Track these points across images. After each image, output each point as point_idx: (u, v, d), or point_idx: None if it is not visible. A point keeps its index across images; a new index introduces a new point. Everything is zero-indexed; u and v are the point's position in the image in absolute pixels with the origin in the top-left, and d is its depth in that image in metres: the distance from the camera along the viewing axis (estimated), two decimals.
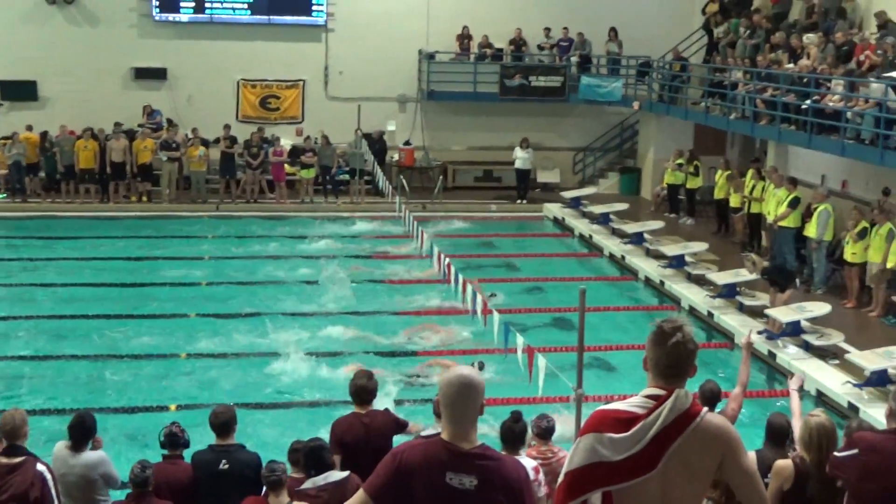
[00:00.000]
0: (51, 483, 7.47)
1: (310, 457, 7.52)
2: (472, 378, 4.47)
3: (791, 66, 22.59)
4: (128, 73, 29.24)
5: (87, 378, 15.17)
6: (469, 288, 14.60)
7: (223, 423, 8.22)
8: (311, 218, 26.42)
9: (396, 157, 29.48)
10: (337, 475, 7.35)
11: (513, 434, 7.98)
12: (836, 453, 6.03)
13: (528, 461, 7.61)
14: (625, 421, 4.24)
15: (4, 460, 7.47)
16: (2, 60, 28.50)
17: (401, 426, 8.64)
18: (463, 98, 29.74)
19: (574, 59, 30.07)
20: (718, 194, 24.31)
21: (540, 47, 30.63)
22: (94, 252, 22.38)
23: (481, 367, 14.13)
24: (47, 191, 27.08)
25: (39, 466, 7.49)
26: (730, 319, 17.74)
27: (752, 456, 4.59)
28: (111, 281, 20.11)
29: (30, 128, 27.01)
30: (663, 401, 4.21)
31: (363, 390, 8.43)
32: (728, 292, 18.64)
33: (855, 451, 5.80)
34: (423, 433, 6.94)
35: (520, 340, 12.06)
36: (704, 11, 28.94)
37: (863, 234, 18.24)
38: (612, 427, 4.24)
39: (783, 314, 16.45)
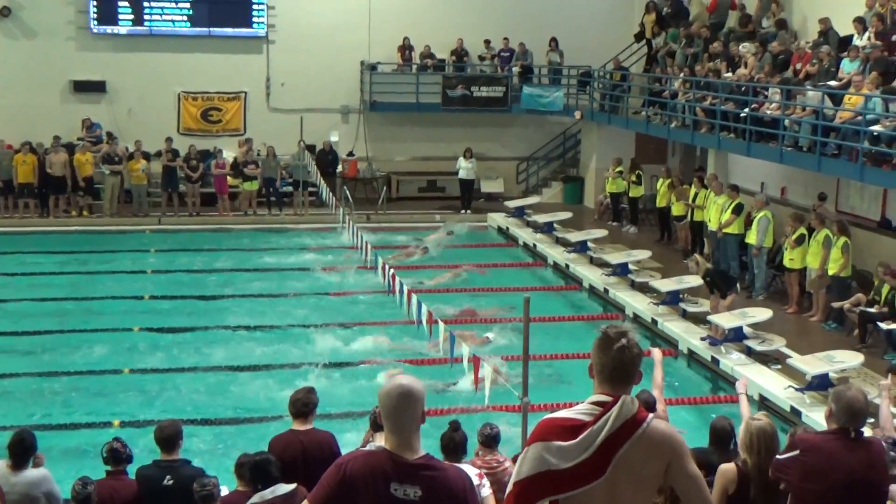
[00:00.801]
0: None
1: (256, 470, 7.47)
2: (412, 387, 4.45)
3: (729, 74, 22.87)
4: (66, 86, 28.89)
5: (28, 394, 14.93)
6: (414, 298, 14.57)
7: (167, 437, 8.14)
8: (257, 230, 26.29)
9: (340, 168, 29.41)
10: (284, 488, 7.30)
11: (454, 443, 7.98)
12: (777, 456, 6.10)
13: (470, 469, 7.60)
14: (572, 428, 4.24)
15: None
16: None
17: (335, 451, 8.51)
18: (405, 109, 29.75)
19: (516, 69, 30.22)
20: (660, 202, 24.52)
21: (481, 58, 30.73)
22: (34, 267, 22.06)
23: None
24: None
25: None
26: (673, 326, 17.90)
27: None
28: (52, 296, 19.83)
29: None
30: (609, 407, 4.23)
31: (301, 404, 8.35)
32: (671, 299, 18.81)
33: (796, 452, 5.87)
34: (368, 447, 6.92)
35: (465, 350, 12.08)
36: (642, 23, 29.21)
37: (801, 241, 18.49)
38: (559, 435, 4.25)
39: (726, 320, 16.62)
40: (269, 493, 7.28)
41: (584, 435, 4.21)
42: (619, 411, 4.22)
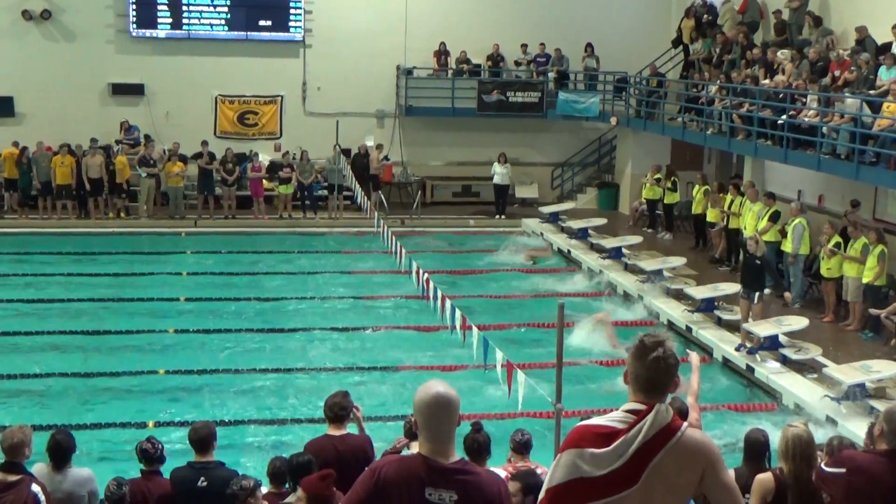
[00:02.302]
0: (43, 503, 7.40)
1: (298, 472, 7.50)
2: (448, 394, 4.44)
3: (767, 81, 22.73)
4: (105, 88, 29.16)
5: (65, 394, 15.06)
6: (448, 303, 14.57)
7: (202, 438, 8.18)
8: (291, 234, 26.39)
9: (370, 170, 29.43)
10: None
11: (477, 444, 7.92)
12: (823, 466, 6.05)
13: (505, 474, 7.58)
14: (605, 436, 4.22)
15: (0, 476, 7.39)
16: None
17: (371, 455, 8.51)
18: (441, 113, 29.79)
19: (551, 75, 30.17)
20: (696, 209, 24.38)
21: (517, 63, 30.73)
22: (71, 268, 22.25)
23: None
24: (23, 207, 26.91)
25: (34, 486, 7.40)
26: (708, 334, 17.80)
27: (731, 473, 4.58)
28: (89, 296, 19.99)
29: (16, 144, 26.86)
30: (644, 415, 4.20)
31: (337, 406, 8.36)
32: (706, 307, 18.70)
33: (842, 469, 5.81)
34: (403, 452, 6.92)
35: (499, 355, 12.05)
36: (679, 28, 29.10)
37: (838, 249, 18.33)
38: (592, 442, 4.22)
39: (761, 328, 16.51)
40: None
41: (619, 442, 4.18)
42: (654, 419, 4.18)
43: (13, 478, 7.36)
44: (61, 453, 7.99)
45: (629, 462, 4.17)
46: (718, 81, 24.90)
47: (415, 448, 4.58)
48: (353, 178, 25.92)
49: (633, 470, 4.17)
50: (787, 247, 19.61)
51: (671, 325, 18.83)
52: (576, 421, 4.53)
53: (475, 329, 13.30)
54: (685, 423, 4.26)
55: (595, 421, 4.32)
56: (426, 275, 16.43)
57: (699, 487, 4.27)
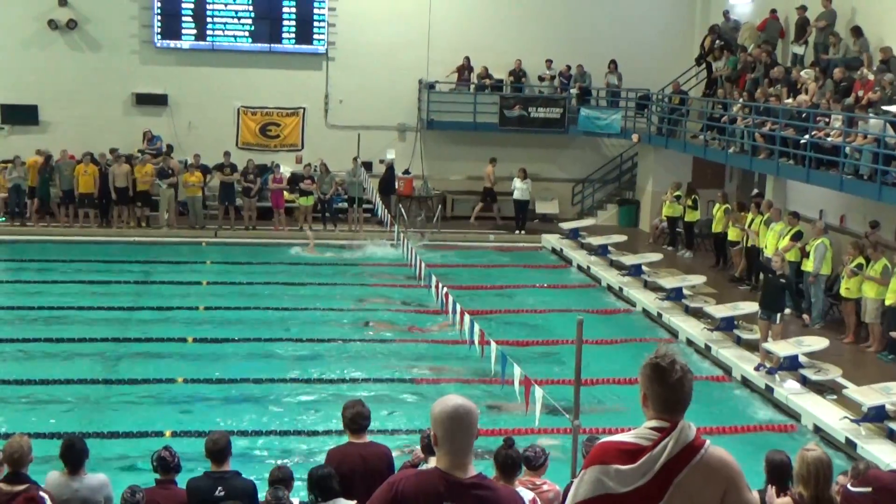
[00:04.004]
0: None
1: (318, 484, 7.50)
2: (467, 407, 4.42)
3: (790, 100, 22.67)
4: (129, 98, 29.34)
5: (82, 402, 15.10)
6: (467, 318, 14.58)
7: (220, 449, 8.18)
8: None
9: (396, 185, 29.52)
10: (344, 503, 7.32)
11: (511, 460, 7.88)
12: (849, 487, 6.01)
13: (525, 492, 7.55)
14: (630, 453, 4.19)
15: (6, 487, 7.43)
16: (3, 84, 28.64)
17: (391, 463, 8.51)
18: (462, 128, 29.82)
19: (574, 91, 30.18)
20: (716, 228, 24.31)
21: (540, 78, 30.75)
22: (93, 276, 22.35)
23: None
24: (42, 215, 27.05)
25: (41, 494, 7.45)
26: (727, 353, 17.72)
27: (756, 495, 4.53)
28: (110, 304, 20.07)
29: (40, 152, 27.05)
30: (668, 432, 4.17)
31: (360, 416, 8.36)
32: (726, 325, 18.62)
33: (868, 489, 5.78)
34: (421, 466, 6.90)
35: (517, 371, 12.04)
36: (703, 45, 29.06)
37: (859, 270, 18.22)
38: (617, 459, 4.19)
39: (781, 348, 16.41)
40: None
41: (643, 460, 4.15)
42: (679, 437, 4.15)
43: (19, 487, 7.41)
44: (75, 457, 8.01)
45: (654, 479, 4.14)
46: (741, 100, 24.85)
47: (432, 463, 4.55)
48: (375, 191, 25.99)
49: (658, 487, 4.14)
50: (809, 266, 19.51)
51: (690, 343, 18.76)
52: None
53: (493, 344, 13.31)
54: (707, 441, 4.23)
55: (619, 438, 4.28)
56: (445, 288, 16.45)
57: None
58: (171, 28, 29.38)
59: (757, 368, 16.57)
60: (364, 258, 25.39)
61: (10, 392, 15.30)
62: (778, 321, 16.93)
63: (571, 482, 7.53)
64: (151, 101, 29.34)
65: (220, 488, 7.99)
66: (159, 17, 29.21)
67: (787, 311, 17.98)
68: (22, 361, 16.78)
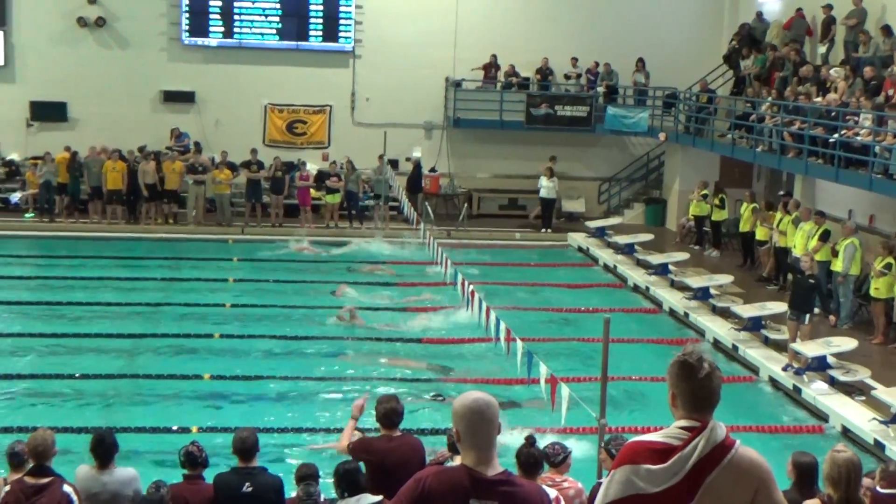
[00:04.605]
0: None
1: (344, 478, 7.51)
2: (488, 401, 4.43)
3: (819, 99, 22.52)
4: (157, 95, 29.50)
5: (109, 397, 15.19)
6: (493, 315, 14.57)
7: (249, 446, 8.20)
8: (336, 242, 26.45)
9: (422, 183, 29.53)
10: (369, 499, 7.32)
11: (533, 458, 7.88)
12: (878, 489, 5.96)
13: (550, 490, 7.53)
14: (660, 452, 4.17)
15: (31, 480, 7.49)
16: (33, 81, 28.86)
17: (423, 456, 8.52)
18: (489, 126, 29.81)
19: (600, 89, 30.10)
20: (744, 227, 24.18)
21: (567, 77, 30.69)
22: (120, 272, 22.49)
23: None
24: (71, 211, 27.24)
25: (66, 487, 7.51)
26: (754, 353, 17.62)
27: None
28: (137, 300, 20.19)
29: (68, 149, 27.24)
30: (698, 432, 4.14)
31: (393, 412, 8.37)
32: (753, 325, 18.51)
33: None
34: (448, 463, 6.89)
35: (543, 369, 12.01)
36: (732, 43, 28.87)
37: (888, 270, 18.08)
38: (647, 459, 4.17)
39: (809, 349, 16.31)
40: (353, 502, 7.32)
41: (674, 459, 4.13)
42: (709, 436, 4.13)
43: (44, 480, 7.47)
44: (105, 452, 8.07)
45: (685, 479, 4.11)
46: (770, 98, 24.71)
47: (457, 462, 4.54)
48: (401, 189, 26.00)
49: (689, 487, 4.12)
50: (837, 266, 19.37)
51: (717, 344, 18.67)
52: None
53: (519, 342, 13.28)
54: (737, 441, 4.20)
55: (648, 437, 4.26)
56: (471, 286, 16.43)
57: None
58: (199, 26, 29.51)
59: (785, 369, 16.47)
60: (350, 254, 25.26)
61: (38, 386, 15.41)
62: (807, 322, 16.83)
63: (598, 482, 7.55)
64: (179, 98, 29.50)
65: (247, 484, 8.02)
66: (187, 15, 29.36)
67: (816, 311, 17.85)
68: (50, 356, 16.88)
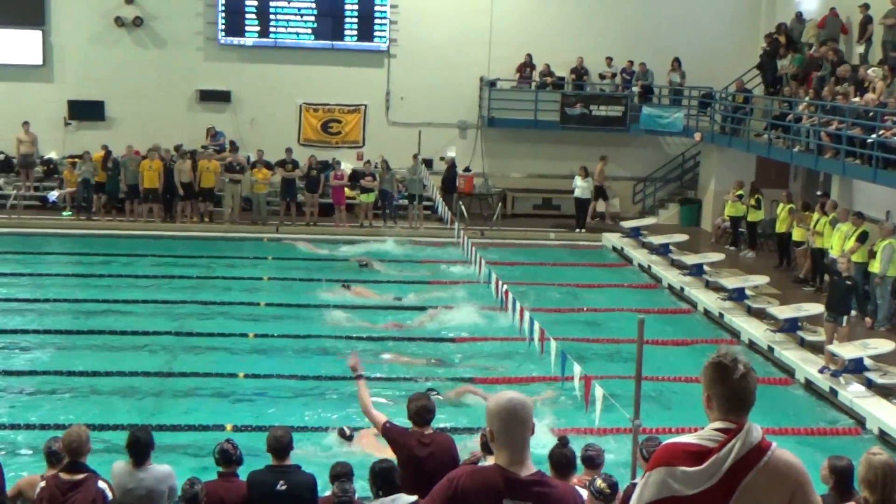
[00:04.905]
0: (110, 500, 7.54)
1: (380, 477, 7.52)
2: (523, 401, 4.44)
3: (857, 99, 22.33)
4: (193, 94, 29.69)
5: (144, 394, 15.28)
6: (527, 315, 14.55)
7: (285, 445, 8.23)
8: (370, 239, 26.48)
9: (456, 183, 29.53)
10: (405, 499, 7.32)
11: (566, 459, 7.87)
12: None
13: (583, 491, 7.51)
14: (696, 454, 4.15)
15: (66, 477, 7.56)
16: (71, 81, 29.14)
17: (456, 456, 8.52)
18: (523, 126, 29.77)
19: (636, 89, 29.99)
20: (780, 228, 24.00)
21: (601, 76, 30.60)
22: (156, 270, 22.65)
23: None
24: (108, 209, 27.46)
25: (100, 484, 7.58)
26: (790, 354, 17.49)
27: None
28: (173, 299, 20.33)
29: (105, 148, 27.47)
30: (734, 434, 4.12)
31: (425, 410, 8.37)
32: (789, 327, 18.37)
33: None
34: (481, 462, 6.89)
35: (577, 369, 11.99)
36: (775, 37, 28.56)
37: None
38: (683, 460, 4.15)
39: (846, 351, 16.17)
40: (389, 502, 7.33)
41: (710, 462, 4.10)
42: (745, 438, 4.11)
43: (79, 476, 7.53)
44: (141, 450, 8.12)
45: (721, 482, 4.09)
46: (807, 98, 24.52)
47: (491, 461, 4.54)
48: (435, 189, 26.01)
49: (725, 490, 4.09)
50: (875, 268, 19.19)
51: (752, 345, 18.54)
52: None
53: (553, 341, 13.26)
54: (774, 443, 4.17)
55: (684, 439, 4.24)
56: (505, 286, 16.41)
57: None
58: (235, 25, 29.68)
59: (821, 371, 16.34)
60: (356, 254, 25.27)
61: (74, 383, 15.53)
62: (844, 323, 16.69)
63: (632, 483, 7.52)
64: (215, 97, 29.68)
65: (282, 482, 8.05)
66: (223, 15, 29.54)
67: (853, 313, 17.70)
68: (87, 353, 17.01)
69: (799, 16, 28.26)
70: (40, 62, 29.05)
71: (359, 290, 21.14)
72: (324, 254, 25.23)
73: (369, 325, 19.23)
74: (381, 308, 20.42)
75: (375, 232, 27.30)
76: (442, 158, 29.27)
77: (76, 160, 27.57)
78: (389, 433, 8.29)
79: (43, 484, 7.67)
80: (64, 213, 27.43)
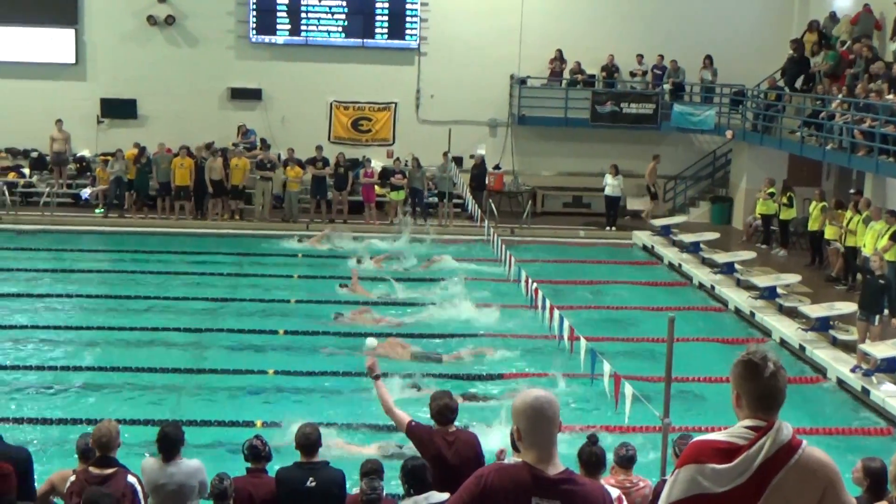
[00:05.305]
0: (140, 495, 7.61)
1: (412, 475, 7.52)
2: (549, 399, 4.43)
3: (891, 96, 22.13)
4: (224, 92, 29.84)
5: (174, 390, 15.37)
6: (556, 313, 14.52)
7: (314, 442, 8.24)
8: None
9: (487, 181, 29.50)
10: (437, 497, 7.32)
11: (595, 458, 7.84)
12: None
13: (612, 490, 7.50)
14: (726, 452, 4.12)
15: (96, 471, 7.61)
16: (104, 79, 29.37)
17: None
18: (554, 123, 29.72)
19: (667, 87, 29.86)
20: (812, 226, 23.83)
21: (632, 74, 30.49)
22: (187, 267, 22.76)
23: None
24: (140, 207, 27.65)
25: (130, 478, 7.63)
26: (822, 353, 17.36)
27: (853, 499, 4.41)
28: (203, 295, 20.44)
29: (137, 145, 27.66)
30: (764, 432, 4.09)
31: (447, 409, 8.35)
32: (821, 326, 18.24)
33: None
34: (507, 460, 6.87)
35: (606, 367, 11.95)
36: (801, 41, 28.41)
37: None
38: (712, 458, 4.13)
39: (879, 350, 16.04)
40: (423, 500, 7.34)
41: (740, 459, 4.08)
42: (775, 436, 4.08)
43: (109, 471, 7.58)
44: (170, 445, 8.16)
45: (750, 480, 4.06)
46: (840, 96, 24.33)
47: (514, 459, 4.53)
48: (465, 187, 26.00)
49: (755, 488, 4.07)
50: None
51: (783, 344, 18.43)
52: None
53: (583, 340, 13.23)
54: (804, 441, 4.14)
55: (713, 436, 4.21)
56: (535, 284, 16.39)
57: None
58: (266, 23, 29.80)
59: (853, 370, 16.21)
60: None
61: (106, 379, 15.64)
62: (877, 322, 16.56)
63: (662, 480, 7.50)
64: (246, 95, 29.81)
65: (311, 478, 8.05)
66: (255, 13, 29.67)
67: (886, 312, 17.56)
68: (119, 349, 17.15)
69: (833, 15, 28.03)
70: (73, 61, 29.30)
71: (357, 287, 21.16)
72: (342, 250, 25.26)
73: (394, 321, 19.28)
74: (407, 305, 20.39)
75: (404, 230, 27.27)
76: (472, 157, 29.24)
77: (108, 158, 27.77)
78: (414, 432, 8.28)
79: (73, 478, 7.73)
80: (96, 211, 27.64)
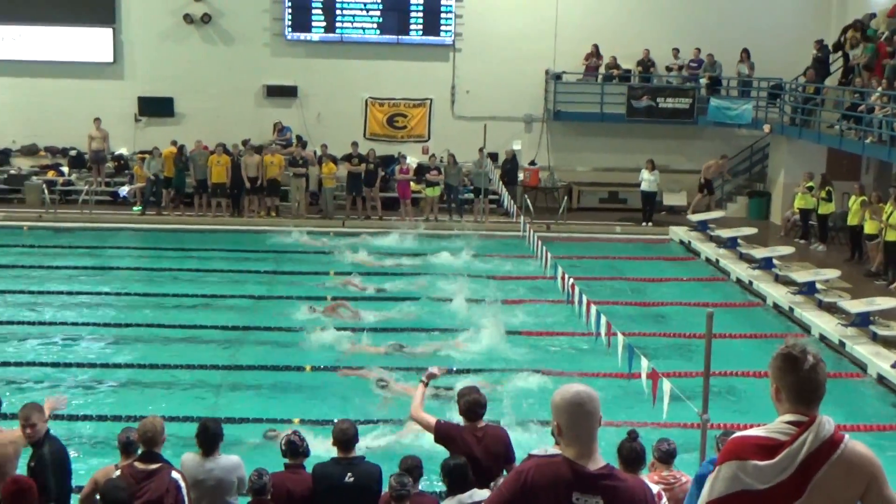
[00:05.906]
0: (184, 491, 7.67)
1: (453, 473, 7.51)
2: (590, 394, 4.41)
3: None
4: (260, 90, 29.96)
5: (212, 387, 15.45)
6: (593, 309, 14.45)
7: (350, 437, 8.26)
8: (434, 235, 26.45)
9: (522, 176, 29.44)
10: (481, 494, 7.31)
11: (635, 454, 7.80)
12: None
13: (653, 486, 7.45)
14: (768, 448, 4.08)
15: (141, 466, 7.70)
16: (141, 78, 29.57)
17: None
18: (589, 119, 29.61)
19: (703, 81, 29.65)
20: (852, 220, 23.61)
21: (668, 68, 30.31)
22: (223, 265, 22.87)
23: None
24: (177, 204, 27.83)
25: (174, 474, 7.70)
26: (862, 349, 17.20)
27: None
28: (240, 293, 20.53)
29: (174, 143, 27.86)
30: (806, 427, 4.05)
31: (476, 404, 8.32)
32: (861, 321, 18.08)
33: None
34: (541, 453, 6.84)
35: (644, 364, 11.88)
36: (844, 37, 28.06)
37: None
38: (754, 454, 4.09)
39: None
40: (467, 498, 7.34)
41: (782, 455, 4.04)
42: (817, 431, 4.04)
43: (153, 466, 7.66)
44: (210, 440, 8.22)
45: (793, 476, 4.03)
46: (880, 89, 24.07)
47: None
48: (500, 182, 25.96)
49: (798, 483, 4.03)
50: None
51: (823, 339, 18.27)
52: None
53: (620, 336, 13.16)
54: (847, 435, 4.10)
55: (754, 432, 4.18)
56: (571, 280, 16.32)
57: (862, 502, 4.10)
58: (302, 21, 29.88)
59: (894, 366, 16.05)
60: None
61: (145, 376, 15.77)
62: None
63: (697, 476, 7.44)
64: (282, 92, 29.91)
65: (349, 474, 8.08)
66: (290, 10, 29.76)
67: None
68: (157, 346, 17.28)
69: (872, 16, 27.70)
70: (111, 60, 29.54)
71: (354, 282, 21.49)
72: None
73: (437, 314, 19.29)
74: (441, 300, 20.36)
75: (441, 226, 27.29)
76: (507, 152, 29.18)
77: (146, 156, 27.97)
78: (442, 430, 8.26)
79: (118, 473, 7.80)
80: (134, 208, 27.84)
